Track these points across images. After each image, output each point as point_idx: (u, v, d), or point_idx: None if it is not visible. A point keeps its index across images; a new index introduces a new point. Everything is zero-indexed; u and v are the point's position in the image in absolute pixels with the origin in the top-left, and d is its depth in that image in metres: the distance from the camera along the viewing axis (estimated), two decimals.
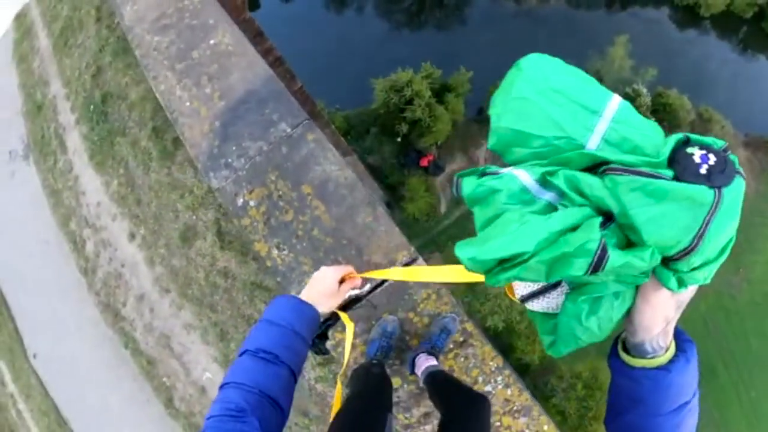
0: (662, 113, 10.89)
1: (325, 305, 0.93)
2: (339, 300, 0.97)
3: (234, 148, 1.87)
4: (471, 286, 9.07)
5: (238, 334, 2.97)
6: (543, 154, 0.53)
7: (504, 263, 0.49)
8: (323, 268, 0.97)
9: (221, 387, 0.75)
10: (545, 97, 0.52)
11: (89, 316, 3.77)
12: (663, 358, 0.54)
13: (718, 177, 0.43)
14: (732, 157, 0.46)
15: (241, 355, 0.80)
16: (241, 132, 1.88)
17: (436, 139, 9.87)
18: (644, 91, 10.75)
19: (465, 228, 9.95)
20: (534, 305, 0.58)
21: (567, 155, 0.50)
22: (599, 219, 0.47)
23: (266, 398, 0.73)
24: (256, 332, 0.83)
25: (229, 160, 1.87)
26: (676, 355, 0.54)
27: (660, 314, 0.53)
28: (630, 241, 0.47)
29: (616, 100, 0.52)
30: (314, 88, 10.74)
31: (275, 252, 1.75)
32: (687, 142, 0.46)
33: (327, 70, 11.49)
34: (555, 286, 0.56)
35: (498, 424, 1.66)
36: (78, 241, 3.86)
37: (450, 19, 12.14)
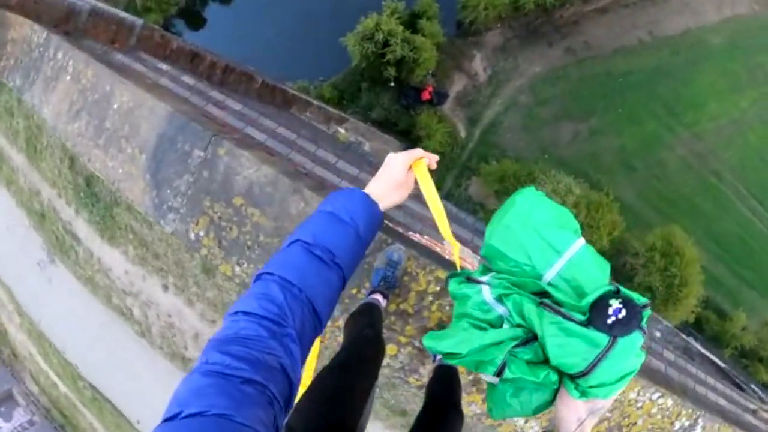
0: None
1: (391, 198, 0.80)
2: (407, 192, 0.83)
3: (168, 191, 2.01)
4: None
5: None
6: (513, 272, 0.72)
7: (448, 355, 0.74)
8: (392, 155, 0.84)
9: (260, 276, 0.62)
10: (525, 230, 0.69)
11: (162, 368, 3.99)
12: None
13: (618, 329, 0.60)
14: (645, 313, 0.63)
15: (290, 245, 0.66)
16: (168, 174, 2.01)
17: (427, 68, 9.51)
18: None
19: (489, 145, 9.65)
20: (485, 377, 0.79)
21: (526, 280, 0.69)
22: (513, 343, 0.69)
23: (310, 307, 0.61)
24: (314, 223, 0.70)
25: (169, 203, 2.01)
26: None
27: (572, 414, 0.69)
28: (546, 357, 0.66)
29: (579, 243, 0.69)
30: (291, 71, 10.58)
31: (238, 269, 1.84)
32: (617, 292, 0.63)
33: (296, 49, 11.24)
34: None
35: None
36: (126, 312, 4.10)
37: None
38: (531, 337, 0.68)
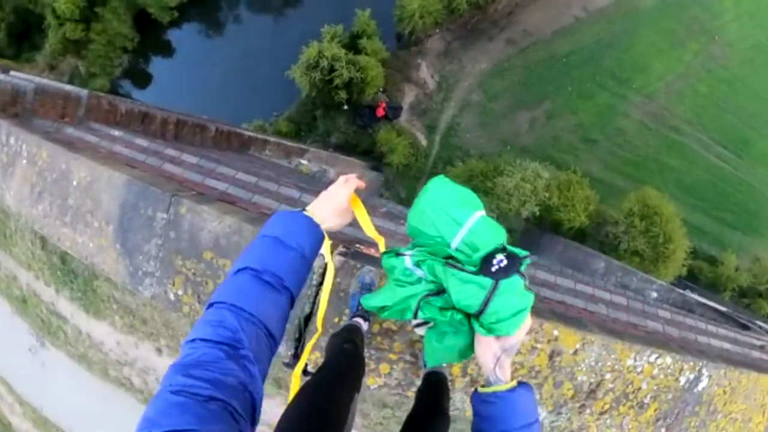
0: None
1: (333, 222, 0.87)
2: (348, 219, 0.90)
3: (140, 257, 2.06)
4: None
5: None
6: (429, 244, 0.89)
7: (381, 309, 0.94)
8: (335, 185, 0.90)
9: (211, 305, 0.65)
10: (435, 212, 0.85)
11: None
12: (505, 386, 0.78)
13: (500, 274, 0.76)
14: (525, 261, 0.80)
15: (238, 272, 0.69)
16: (136, 241, 2.07)
17: (377, 85, 9.61)
18: None
19: (452, 148, 9.75)
20: (418, 330, 1.00)
21: (438, 248, 0.87)
22: (425, 292, 0.88)
23: (263, 328, 0.65)
24: (260, 249, 0.73)
25: (144, 268, 2.06)
26: (517, 385, 0.79)
27: (488, 351, 0.81)
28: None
29: (477, 215, 0.85)
30: (244, 113, 10.58)
31: None
32: (503, 249, 0.80)
33: (245, 90, 11.24)
34: (426, 322, 0.95)
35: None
36: (125, 382, 4.09)
37: None
38: (441, 290, 0.85)
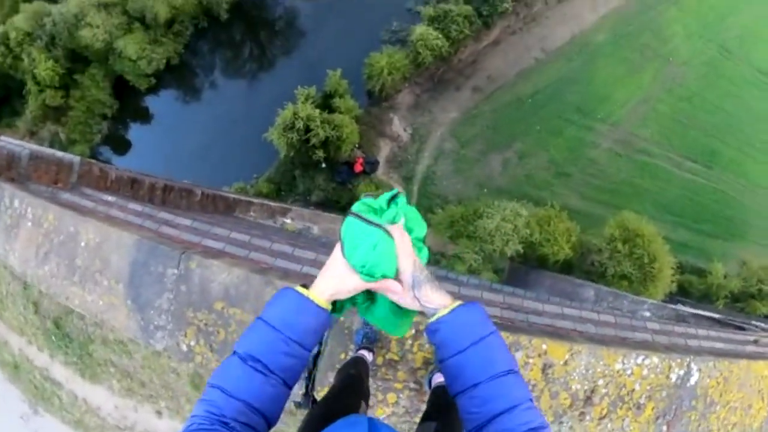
0: None
1: (343, 289, 0.80)
2: (354, 281, 0.80)
3: (152, 311, 2.15)
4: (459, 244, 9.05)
5: None
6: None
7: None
8: (337, 252, 0.82)
9: (209, 384, 0.73)
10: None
11: None
12: (445, 310, 0.78)
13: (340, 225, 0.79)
14: (362, 201, 0.85)
15: (232, 354, 0.75)
16: (148, 297, 2.17)
17: (352, 142, 9.86)
18: None
19: (430, 196, 9.94)
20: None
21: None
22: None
23: (250, 408, 0.71)
24: (249, 332, 0.76)
25: (155, 322, 2.14)
26: (457, 306, 0.78)
27: (400, 297, 0.80)
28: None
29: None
30: (226, 176, 10.70)
31: None
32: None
33: (224, 154, 11.42)
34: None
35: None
36: None
37: (290, 40, 12.25)
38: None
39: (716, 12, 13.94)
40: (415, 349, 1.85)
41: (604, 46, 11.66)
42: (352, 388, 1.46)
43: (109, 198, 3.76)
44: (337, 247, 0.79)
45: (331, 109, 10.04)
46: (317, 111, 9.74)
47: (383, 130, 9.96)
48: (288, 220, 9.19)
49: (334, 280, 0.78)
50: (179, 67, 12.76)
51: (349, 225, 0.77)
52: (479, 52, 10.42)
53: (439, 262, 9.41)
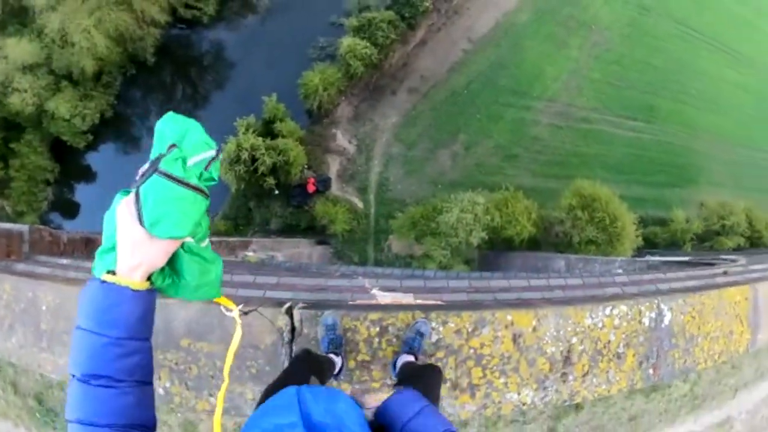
0: None
1: (156, 258, 0.69)
2: (164, 243, 0.69)
3: None
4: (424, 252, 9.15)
5: None
6: None
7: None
8: (118, 207, 0.70)
9: (66, 420, 0.65)
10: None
11: None
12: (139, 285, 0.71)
13: (140, 182, 0.67)
14: (168, 157, 0.68)
15: (72, 377, 0.66)
16: None
17: (301, 164, 9.81)
18: None
19: (388, 203, 9.98)
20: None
21: None
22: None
23: (117, 428, 0.64)
24: (74, 346, 0.67)
25: None
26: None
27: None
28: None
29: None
30: None
31: (213, 400, 1.99)
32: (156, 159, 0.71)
33: None
34: None
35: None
36: None
37: (220, 73, 12.13)
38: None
39: None
40: (383, 345, 1.85)
41: (528, 25, 12.08)
42: (298, 365, 1.51)
43: (65, 261, 3.71)
44: (127, 217, 0.67)
45: (274, 135, 9.97)
46: (260, 139, 9.65)
47: (329, 147, 9.96)
48: (249, 253, 9.04)
49: (141, 251, 0.67)
50: (114, 119, 12.40)
51: (156, 187, 0.65)
52: (408, 54, 10.60)
53: (410, 264, 9.45)
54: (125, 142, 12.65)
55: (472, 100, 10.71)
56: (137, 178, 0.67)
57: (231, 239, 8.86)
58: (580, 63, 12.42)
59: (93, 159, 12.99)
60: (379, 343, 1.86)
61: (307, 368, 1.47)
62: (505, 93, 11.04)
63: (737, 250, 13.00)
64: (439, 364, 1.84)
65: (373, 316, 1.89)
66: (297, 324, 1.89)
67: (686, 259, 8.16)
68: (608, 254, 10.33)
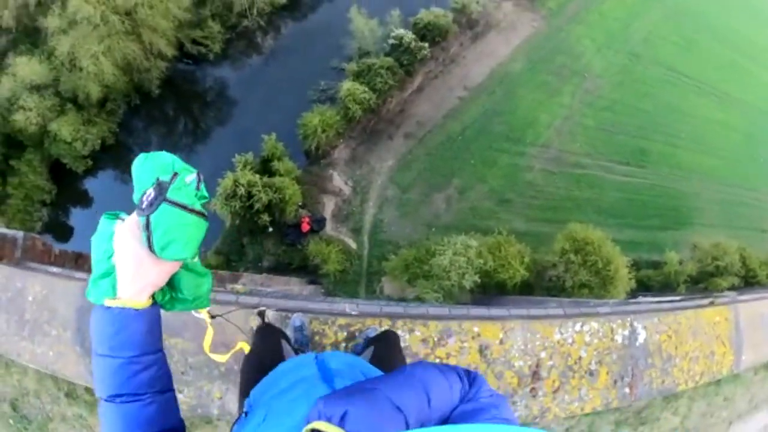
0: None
1: (147, 281, 0.73)
2: (166, 263, 0.74)
3: None
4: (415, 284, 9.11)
5: None
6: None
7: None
8: (117, 231, 0.75)
9: None
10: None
11: None
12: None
13: (147, 210, 0.70)
14: (175, 183, 0.73)
15: (100, 401, 0.71)
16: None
17: (296, 203, 9.89)
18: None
19: (382, 244, 10.01)
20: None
21: None
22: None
23: None
24: (96, 373, 0.72)
25: None
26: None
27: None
28: None
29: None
30: None
31: (181, 396, 1.98)
32: (158, 183, 0.74)
33: None
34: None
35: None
36: None
37: (222, 110, 12.45)
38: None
39: (620, 22, 15.42)
40: (350, 349, 1.85)
41: (522, 74, 12.57)
42: (266, 332, 1.58)
43: (54, 269, 3.78)
44: (131, 242, 0.72)
45: (271, 173, 10.10)
46: (257, 176, 9.77)
47: (325, 187, 10.09)
48: (239, 287, 8.94)
49: (147, 273, 0.73)
50: (115, 147, 12.58)
51: (167, 216, 0.70)
52: (405, 100, 10.96)
53: None
54: (124, 170, 12.77)
55: (466, 146, 10.98)
56: (143, 206, 0.70)
57: (221, 272, 8.79)
58: (572, 110, 12.84)
59: (90, 184, 13.06)
60: (346, 348, 1.87)
61: (274, 336, 1.50)
62: (499, 139, 11.34)
63: (732, 289, 12.94)
64: None
65: (342, 321, 1.91)
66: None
67: (678, 298, 8.15)
68: (601, 297, 10.29)
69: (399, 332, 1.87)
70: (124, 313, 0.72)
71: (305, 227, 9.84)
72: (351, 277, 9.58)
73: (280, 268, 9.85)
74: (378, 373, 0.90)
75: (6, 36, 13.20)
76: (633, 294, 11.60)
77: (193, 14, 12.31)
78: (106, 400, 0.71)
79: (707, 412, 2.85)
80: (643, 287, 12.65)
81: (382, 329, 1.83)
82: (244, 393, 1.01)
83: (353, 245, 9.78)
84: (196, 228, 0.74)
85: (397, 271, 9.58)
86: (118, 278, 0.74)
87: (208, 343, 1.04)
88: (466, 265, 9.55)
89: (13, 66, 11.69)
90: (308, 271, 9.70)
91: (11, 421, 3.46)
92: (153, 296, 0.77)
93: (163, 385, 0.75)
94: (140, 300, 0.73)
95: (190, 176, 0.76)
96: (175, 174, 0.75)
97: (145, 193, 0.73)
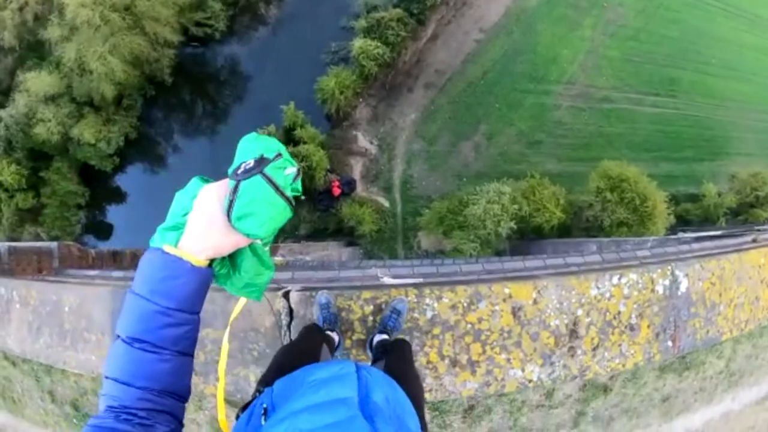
0: None
1: (225, 246, 0.72)
2: (237, 236, 0.71)
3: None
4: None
5: None
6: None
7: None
8: (205, 189, 0.74)
9: (104, 375, 0.69)
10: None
11: None
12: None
13: (242, 175, 0.71)
14: (274, 164, 0.74)
15: (117, 337, 0.69)
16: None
17: (324, 167, 9.90)
18: None
19: (414, 200, 9.96)
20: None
21: None
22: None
23: (152, 392, 0.67)
24: (125, 309, 0.70)
25: None
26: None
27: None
28: None
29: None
30: None
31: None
32: (260, 159, 0.75)
33: None
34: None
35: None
36: None
37: (237, 87, 12.35)
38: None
39: None
40: (377, 321, 1.82)
41: (539, 9, 11.87)
42: (309, 334, 1.57)
43: (92, 272, 3.93)
44: (213, 203, 0.71)
45: (296, 142, 10.10)
46: (282, 147, 9.79)
47: (351, 149, 10.02)
48: (278, 258, 9.20)
49: (215, 237, 0.70)
50: (138, 140, 12.80)
51: (257, 187, 0.70)
52: (421, 49, 10.57)
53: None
54: (151, 161, 13.05)
55: (489, 90, 10.59)
56: (239, 171, 0.70)
57: None
58: (595, 42, 12.12)
59: (122, 180, 13.45)
60: (374, 321, 1.82)
61: (318, 338, 1.50)
62: (523, 79, 10.87)
63: None
64: (435, 341, 1.79)
65: (366, 294, 1.85)
66: (294, 306, 1.89)
67: (719, 233, 7.84)
68: (640, 235, 10.04)
69: (427, 300, 1.81)
70: (179, 263, 0.69)
71: (336, 191, 9.88)
72: (387, 235, 9.64)
73: (317, 235, 10.00)
74: (410, 408, 0.86)
75: (11, 55, 13.35)
76: (673, 229, 11.26)
77: None
78: (123, 340, 0.68)
79: (752, 354, 2.77)
80: (682, 222, 12.26)
81: (396, 338, 1.76)
82: (269, 380, 0.94)
83: (386, 203, 9.79)
84: (279, 212, 0.72)
85: (432, 225, 9.57)
86: (185, 233, 0.72)
87: (235, 315, 1.00)
88: (500, 212, 9.43)
89: (24, 83, 11.86)
90: (345, 234, 9.81)
91: (75, 421, 3.61)
92: (211, 263, 0.74)
93: (185, 347, 0.72)
94: (198, 258, 0.70)
95: (291, 168, 0.77)
96: (279, 154, 0.75)
97: (244, 161, 0.73)
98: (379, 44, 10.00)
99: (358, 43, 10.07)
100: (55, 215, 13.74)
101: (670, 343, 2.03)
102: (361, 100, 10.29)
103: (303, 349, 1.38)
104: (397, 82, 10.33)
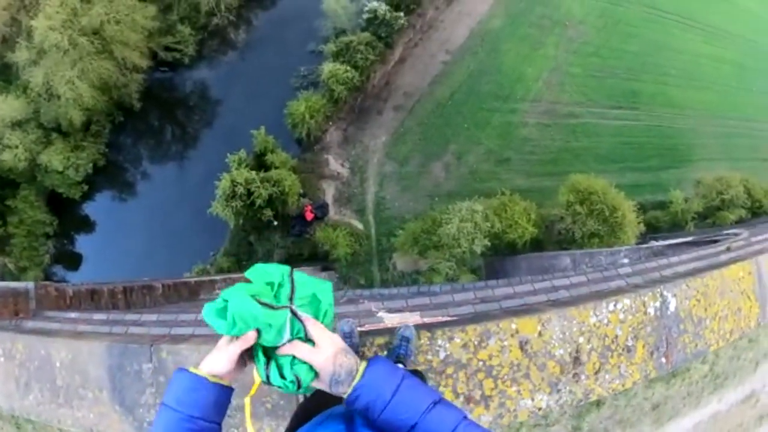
0: None
1: (229, 371, 0.88)
2: (240, 370, 0.91)
3: (141, 410, 2.27)
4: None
5: None
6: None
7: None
8: (222, 340, 0.90)
9: None
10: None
11: None
12: (358, 376, 0.84)
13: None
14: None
15: None
16: (132, 397, 2.26)
17: (296, 192, 9.84)
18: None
19: (388, 221, 10.00)
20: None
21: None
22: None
23: None
24: (156, 418, 0.84)
25: (148, 419, 2.26)
26: (364, 368, 0.85)
27: (321, 355, 0.87)
28: None
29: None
30: (181, 264, 10.39)
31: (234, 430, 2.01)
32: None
33: (174, 240, 11.14)
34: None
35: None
36: None
37: (207, 112, 12.26)
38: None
39: None
40: (390, 347, 1.87)
41: (503, 29, 12.29)
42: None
43: (73, 315, 3.81)
44: (235, 346, 0.86)
45: (267, 167, 10.03)
46: (253, 173, 9.70)
47: (323, 172, 10.02)
48: None
49: (213, 353, 0.88)
50: (107, 168, 12.48)
51: (239, 305, 0.82)
52: (389, 72, 10.75)
53: (416, 281, 9.41)
54: (120, 188, 12.71)
55: (457, 110, 10.83)
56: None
57: (236, 275, 8.83)
58: (558, 60, 12.60)
59: (90, 208, 13.04)
60: (387, 346, 1.88)
61: None
62: (489, 99, 11.17)
63: (739, 222, 12.95)
64: (449, 380, 1.86)
65: (380, 340, 1.91)
66: None
67: (690, 239, 8.10)
68: (612, 245, 10.30)
69: (439, 342, 1.89)
70: (198, 380, 0.85)
71: (309, 215, 9.83)
72: (362, 258, 9.60)
73: (291, 260, 9.88)
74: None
75: None
76: (643, 237, 11.61)
77: (161, 21, 12.00)
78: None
79: (734, 356, 2.92)
80: (652, 229, 12.64)
81: (411, 369, 1.77)
82: None
83: (360, 226, 9.78)
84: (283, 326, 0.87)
85: (407, 246, 9.59)
86: (208, 356, 0.88)
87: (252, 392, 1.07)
88: (474, 230, 9.54)
89: None
90: (320, 259, 9.73)
91: None
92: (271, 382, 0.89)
93: None
94: (214, 373, 0.86)
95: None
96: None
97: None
98: (348, 68, 10.12)
99: (327, 67, 10.16)
100: (23, 245, 13.17)
101: (663, 360, 2.16)
102: (331, 123, 10.35)
103: (317, 399, 1.34)
104: (366, 105, 10.44)
